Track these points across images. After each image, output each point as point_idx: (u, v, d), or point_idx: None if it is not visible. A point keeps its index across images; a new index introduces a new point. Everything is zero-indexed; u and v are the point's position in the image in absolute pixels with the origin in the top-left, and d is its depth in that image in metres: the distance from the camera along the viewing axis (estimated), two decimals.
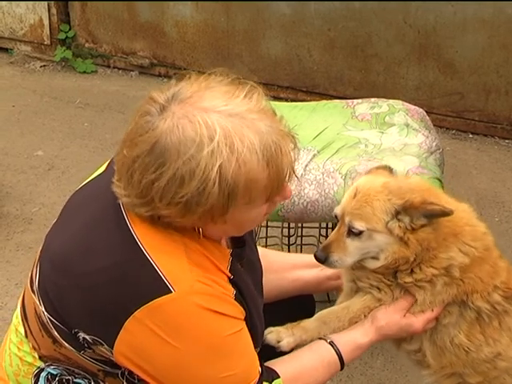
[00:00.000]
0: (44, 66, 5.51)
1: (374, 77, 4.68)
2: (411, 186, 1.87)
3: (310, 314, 2.14)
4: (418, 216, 1.81)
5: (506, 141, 4.54)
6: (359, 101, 3.18)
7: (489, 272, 1.93)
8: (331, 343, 1.87)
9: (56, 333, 1.66)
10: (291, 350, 1.88)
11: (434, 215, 1.82)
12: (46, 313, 1.66)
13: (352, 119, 3.07)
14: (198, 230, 1.64)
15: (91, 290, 1.59)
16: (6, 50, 5.65)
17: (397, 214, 1.83)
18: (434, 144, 2.97)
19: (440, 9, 4.35)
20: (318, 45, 4.75)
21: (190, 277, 1.57)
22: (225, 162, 1.48)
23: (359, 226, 1.84)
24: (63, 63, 5.48)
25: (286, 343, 1.88)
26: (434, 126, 3.26)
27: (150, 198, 1.52)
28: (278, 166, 1.55)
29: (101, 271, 1.58)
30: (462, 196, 4.00)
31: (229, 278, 1.68)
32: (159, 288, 1.54)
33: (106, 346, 1.60)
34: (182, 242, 1.61)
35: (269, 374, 1.71)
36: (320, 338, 1.90)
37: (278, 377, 1.72)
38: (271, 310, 1.90)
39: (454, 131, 4.64)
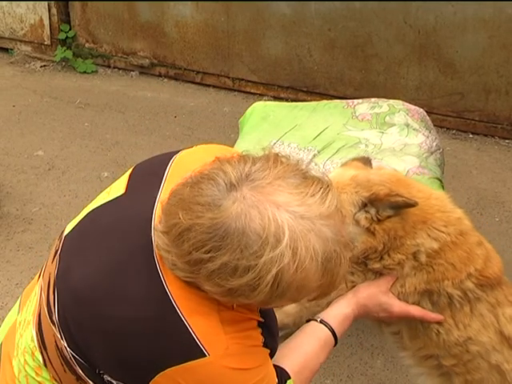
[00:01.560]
0: (44, 66, 5.52)
1: (375, 77, 4.68)
2: (381, 178, 1.92)
3: None
4: (384, 208, 1.87)
5: (507, 141, 4.54)
6: (359, 101, 3.18)
7: (462, 258, 1.94)
8: (322, 321, 1.88)
9: (80, 370, 1.59)
10: None
11: (399, 206, 1.87)
12: (68, 348, 1.58)
13: (352, 119, 3.07)
14: None
15: (119, 337, 1.51)
16: (6, 49, 5.65)
17: (364, 206, 1.89)
18: (435, 144, 2.97)
19: (440, 9, 4.35)
20: (318, 45, 4.75)
21: (224, 339, 1.52)
22: (285, 267, 1.39)
23: None
24: (63, 63, 5.48)
25: None
26: (435, 125, 3.26)
27: (196, 270, 1.43)
28: (334, 275, 1.48)
29: (132, 321, 1.51)
30: (462, 196, 4.02)
31: (258, 321, 1.63)
32: (193, 352, 1.50)
33: None
34: (214, 299, 1.53)
35: (282, 375, 1.70)
36: (309, 320, 1.92)
37: (289, 377, 1.72)
38: None
39: (454, 131, 4.64)
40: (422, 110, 3.19)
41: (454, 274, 1.94)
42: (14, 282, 3.41)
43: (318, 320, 1.89)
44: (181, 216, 1.41)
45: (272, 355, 1.68)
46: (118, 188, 1.70)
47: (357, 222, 1.89)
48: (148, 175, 1.70)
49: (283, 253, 1.38)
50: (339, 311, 1.92)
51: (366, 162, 2.06)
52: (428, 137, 2.98)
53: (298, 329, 1.91)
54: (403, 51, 4.55)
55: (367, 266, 1.97)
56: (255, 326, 1.62)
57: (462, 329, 1.99)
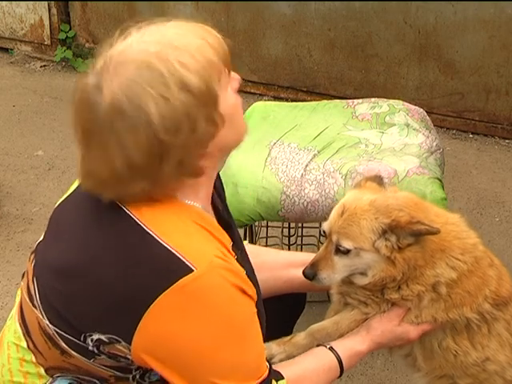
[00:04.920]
0: (44, 65, 5.51)
1: (375, 77, 4.68)
2: (399, 202, 1.87)
3: (301, 310, 2.18)
4: (405, 235, 1.82)
5: (507, 141, 4.54)
6: (359, 101, 3.18)
7: (477, 284, 1.93)
8: (331, 349, 1.88)
9: (63, 344, 1.64)
10: None
11: (421, 234, 1.82)
12: (50, 325, 1.64)
13: (352, 119, 3.07)
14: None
15: (106, 286, 1.56)
16: (6, 49, 5.65)
17: (384, 233, 1.83)
18: (435, 144, 2.97)
19: (440, 9, 4.35)
20: (318, 45, 4.75)
21: (207, 252, 1.55)
22: (178, 55, 1.50)
23: (346, 244, 1.85)
24: (63, 63, 5.48)
25: (277, 360, 1.90)
26: (435, 125, 3.26)
27: (158, 146, 1.50)
28: (206, 35, 1.59)
29: (113, 266, 1.56)
30: (462, 196, 4.02)
31: (234, 257, 1.66)
32: (179, 269, 1.51)
33: (123, 342, 1.57)
34: (190, 220, 1.59)
35: (275, 373, 1.70)
36: (319, 345, 1.91)
37: (283, 378, 1.71)
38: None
39: (454, 131, 4.64)
40: (422, 110, 3.19)
41: (471, 299, 1.92)
42: (14, 281, 3.41)
43: (328, 347, 1.88)
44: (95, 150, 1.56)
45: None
46: (74, 185, 1.82)
47: (377, 250, 1.84)
48: None
49: (166, 50, 1.51)
50: (352, 345, 1.91)
51: (380, 181, 2.00)
52: (428, 137, 2.98)
53: None
54: (403, 51, 4.55)
55: (384, 295, 1.92)
56: (234, 258, 1.64)
57: (480, 350, 1.97)
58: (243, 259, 1.78)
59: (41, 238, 1.80)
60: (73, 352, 1.64)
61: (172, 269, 1.52)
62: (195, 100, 1.51)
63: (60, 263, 1.64)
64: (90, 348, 1.61)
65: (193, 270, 1.51)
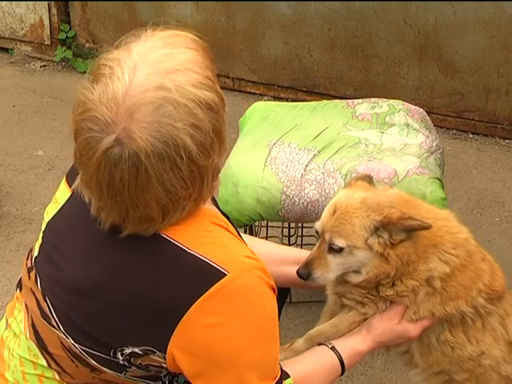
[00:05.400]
0: (44, 65, 5.51)
1: (375, 77, 4.68)
2: (390, 200, 1.88)
3: (285, 299, 2.21)
4: (397, 231, 1.83)
5: (507, 141, 4.54)
6: (359, 101, 3.18)
7: (471, 278, 1.94)
8: (333, 348, 1.88)
9: (93, 361, 1.61)
10: None
11: (413, 230, 1.83)
12: (77, 344, 1.61)
13: (352, 119, 3.06)
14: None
15: (137, 300, 1.52)
16: (6, 49, 5.65)
17: (376, 230, 1.85)
18: (435, 144, 2.97)
19: (440, 9, 4.35)
20: (318, 45, 4.75)
21: (236, 254, 1.54)
22: (185, 78, 1.45)
23: (339, 243, 1.86)
24: (63, 63, 5.48)
25: None
26: (435, 125, 3.26)
27: (199, 171, 1.47)
28: (187, 41, 1.54)
29: (143, 280, 1.52)
30: (462, 196, 4.02)
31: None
32: (213, 275, 1.49)
33: (158, 352, 1.55)
34: (208, 221, 1.57)
35: (283, 373, 1.70)
36: (321, 344, 1.91)
37: (289, 376, 1.71)
38: None
39: (454, 131, 4.64)
40: (422, 110, 3.19)
41: (466, 292, 1.93)
42: (14, 282, 3.39)
43: (330, 346, 1.89)
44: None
45: None
46: (62, 195, 1.75)
47: (370, 247, 1.85)
48: None
49: (168, 83, 1.44)
50: (353, 345, 1.91)
51: (370, 180, 2.02)
52: (428, 137, 2.98)
53: None
54: (403, 51, 4.55)
55: (379, 293, 1.93)
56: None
57: (474, 344, 1.99)
58: None
59: (35, 253, 1.75)
60: (104, 368, 1.62)
61: (206, 275, 1.50)
62: (216, 114, 1.49)
63: (79, 282, 1.59)
64: (121, 362, 1.59)
65: (226, 274, 1.50)
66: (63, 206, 1.74)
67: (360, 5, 4.52)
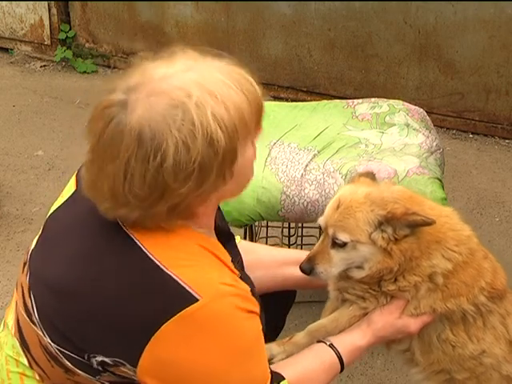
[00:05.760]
0: (44, 65, 5.51)
1: (375, 77, 4.68)
2: (394, 195, 1.88)
3: (292, 301, 2.20)
4: (401, 226, 1.83)
5: (507, 141, 4.54)
6: (359, 101, 3.18)
7: (473, 275, 1.94)
8: (331, 345, 1.87)
9: (67, 362, 1.61)
10: None
11: (417, 225, 1.83)
12: (53, 344, 1.61)
13: (352, 119, 3.07)
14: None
15: (108, 312, 1.52)
16: (6, 49, 5.65)
17: (380, 225, 1.84)
18: (435, 144, 2.97)
19: (440, 9, 4.35)
20: (318, 45, 4.75)
21: (213, 281, 1.52)
22: (214, 107, 1.45)
23: (343, 237, 1.85)
24: (63, 63, 5.48)
25: (278, 360, 1.90)
26: (435, 125, 3.27)
27: (162, 186, 1.46)
28: (250, 90, 1.57)
29: (116, 292, 1.52)
30: (462, 196, 4.02)
31: (238, 276, 1.65)
32: (185, 299, 1.49)
33: (128, 365, 1.54)
34: (194, 243, 1.57)
35: (276, 376, 1.70)
36: (320, 341, 1.91)
37: (283, 378, 1.71)
38: None
39: (454, 131, 4.64)
40: (422, 110, 3.19)
41: (468, 290, 1.93)
42: (15, 281, 3.40)
43: (328, 343, 1.88)
44: (109, 168, 1.48)
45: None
46: (69, 189, 1.75)
47: (373, 242, 1.84)
48: None
49: (202, 97, 1.46)
50: (352, 340, 1.90)
51: (373, 177, 2.01)
52: (428, 137, 2.98)
53: None
54: (403, 51, 4.55)
55: (381, 288, 1.93)
56: (238, 278, 1.63)
57: (475, 342, 1.98)
58: (239, 268, 1.77)
59: (33, 246, 1.75)
60: (77, 370, 1.61)
61: (178, 298, 1.50)
62: (215, 156, 1.47)
63: (59, 283, 1.60)
64: (95, 366, 1.58)
65: (198, 300, 1.49)
66: (66, 201, 1.74)
67: (360, 5, 4.53)
